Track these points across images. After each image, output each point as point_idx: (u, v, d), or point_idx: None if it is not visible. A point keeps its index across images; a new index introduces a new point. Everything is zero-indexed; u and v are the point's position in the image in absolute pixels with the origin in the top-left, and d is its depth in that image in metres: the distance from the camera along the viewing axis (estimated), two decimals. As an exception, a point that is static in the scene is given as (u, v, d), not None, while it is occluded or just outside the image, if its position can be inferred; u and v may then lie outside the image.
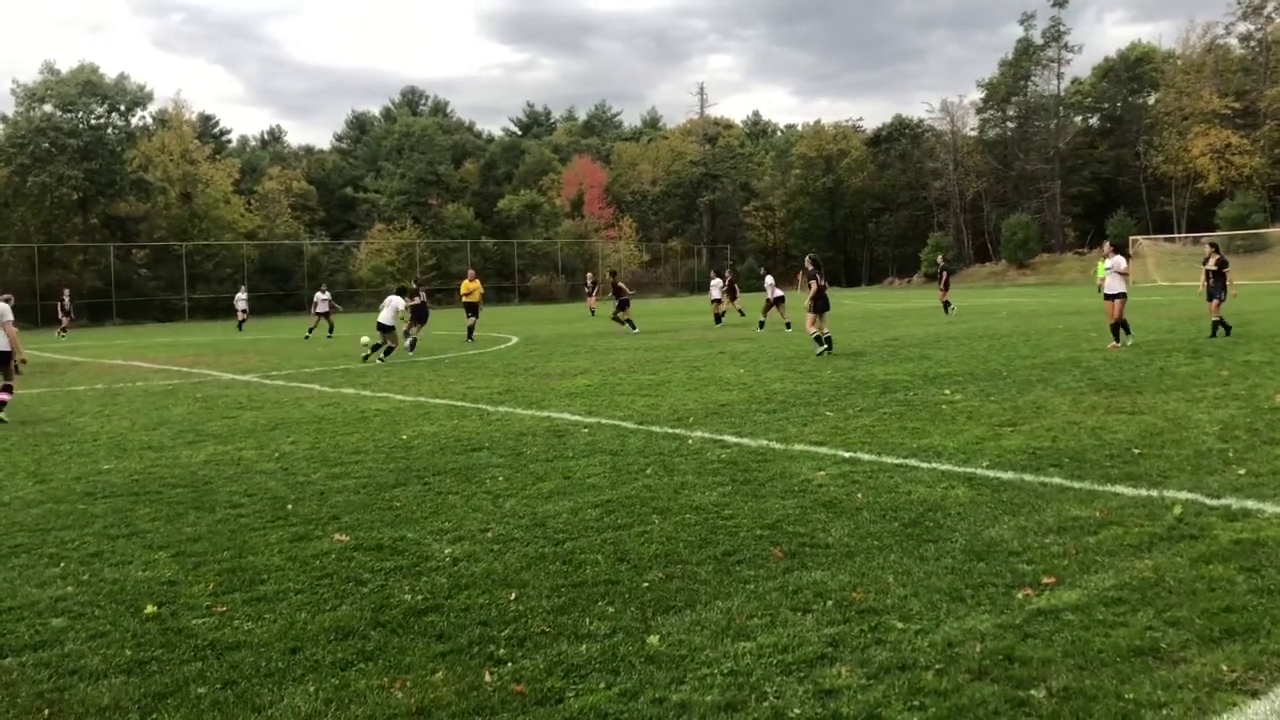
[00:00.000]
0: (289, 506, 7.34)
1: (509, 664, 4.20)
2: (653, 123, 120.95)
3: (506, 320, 38.75)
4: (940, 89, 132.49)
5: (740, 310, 32.57)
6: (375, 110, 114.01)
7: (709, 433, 10.01)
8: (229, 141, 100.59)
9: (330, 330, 33.27)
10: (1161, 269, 59.02)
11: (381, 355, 20.61)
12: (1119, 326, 17.59)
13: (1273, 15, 73.60)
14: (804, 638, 4.36)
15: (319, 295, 35.36)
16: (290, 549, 6.18)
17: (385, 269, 70.89)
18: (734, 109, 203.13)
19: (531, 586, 5.23)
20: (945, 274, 33.25)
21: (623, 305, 28.70)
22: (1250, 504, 6.35)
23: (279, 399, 14.63)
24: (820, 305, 18.62)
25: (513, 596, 5.06)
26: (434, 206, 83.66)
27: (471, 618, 4.79)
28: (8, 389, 13.34)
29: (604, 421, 10.96)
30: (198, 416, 12.86)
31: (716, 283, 32.61)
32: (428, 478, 8.20)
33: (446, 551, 5.96)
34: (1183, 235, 67.75)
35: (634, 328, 28.13)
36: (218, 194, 67.36)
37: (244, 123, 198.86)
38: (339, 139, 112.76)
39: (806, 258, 20.63)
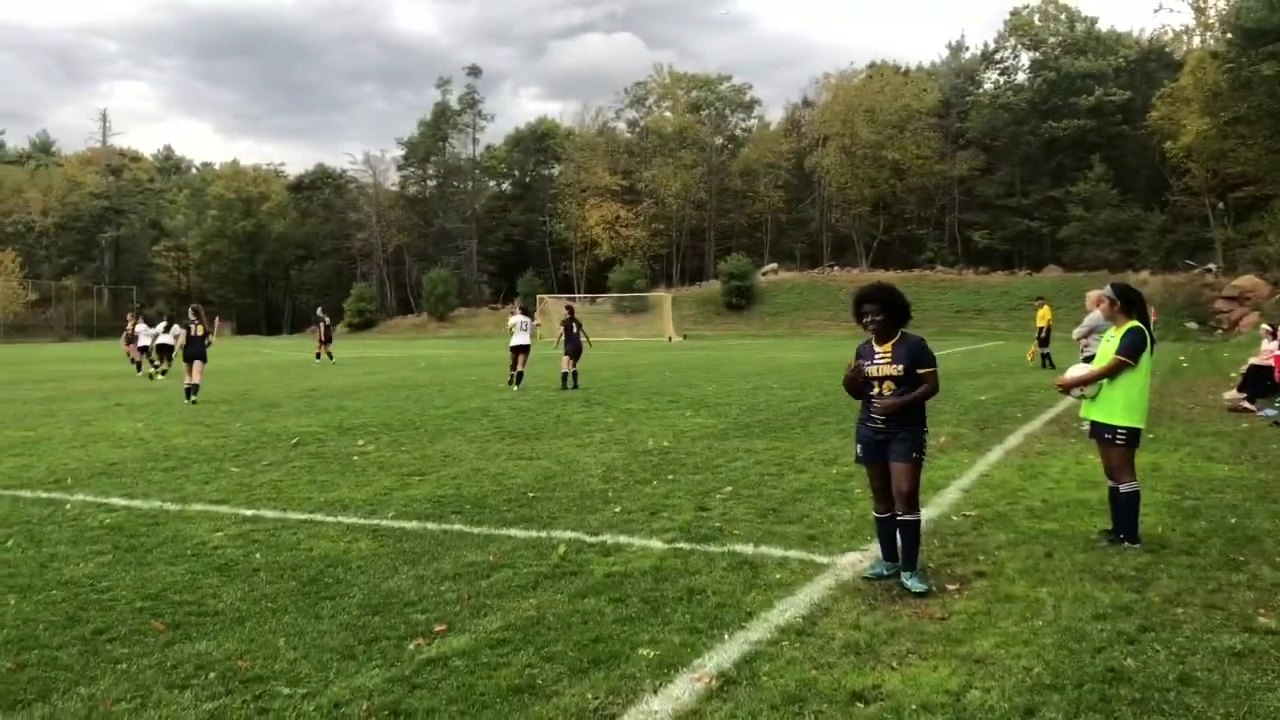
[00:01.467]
0: None
1: None
2: (44, 147, 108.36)
3: None
4: (369, 141, 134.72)
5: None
6: None
7: (93, 495, 8.97)
8: None
9: None
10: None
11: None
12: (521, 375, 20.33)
13: (652, 107, 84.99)
14: (180, 717, 3.99)
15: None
16: None
17: None
18: (146, 141, 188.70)
19: None
20: (324, 325, 34.29)
21: None
22: (622, 539, 7.04)
23: None
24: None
25: None
26: None
27: None
28: None
29: (-43, 487, 9.37)
30: None
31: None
32: None
33: None
34: (582, 295, 75.07)
35: None
36: None
37: None
38: None
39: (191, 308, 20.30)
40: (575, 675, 4.44)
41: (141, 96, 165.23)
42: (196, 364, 18.56)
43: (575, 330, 20.71)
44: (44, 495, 8.99)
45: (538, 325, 21.33)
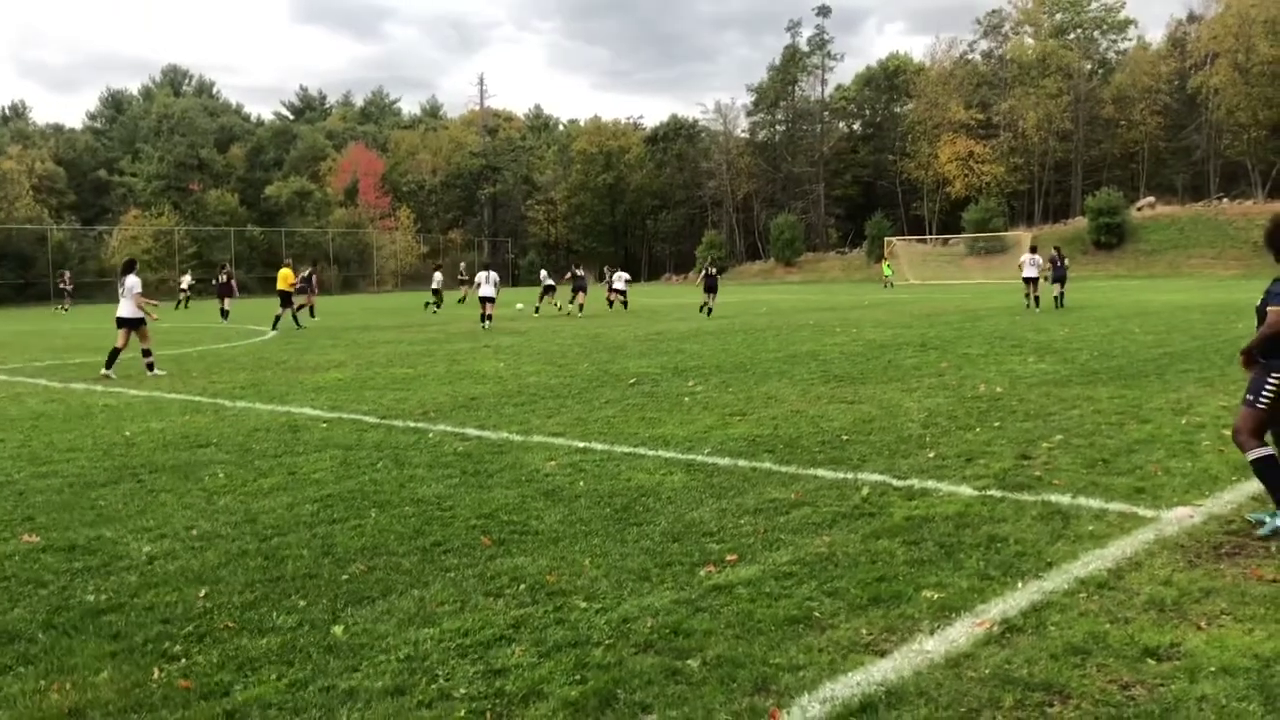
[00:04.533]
0: (-21, 509, 6.87)
1: (181, 660, 4.12)
2: (433, 111, 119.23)
3: (269, 311, 37.19)
4: (732, 89, 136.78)
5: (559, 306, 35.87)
6: (133, 89, 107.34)
7: (452, 426, 10.02)
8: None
9: (311, 311, 30.92)
10: (914, 268, 63.01)
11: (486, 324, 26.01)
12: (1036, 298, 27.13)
13: (1009, 34, 79.90)
14: (489, 621, 4.48)
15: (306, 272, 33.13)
16: (-31, 554, 5.79)
17: (141, 257, 66.64)
18: (524, 101, 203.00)
19: (225, 583, 5.12)
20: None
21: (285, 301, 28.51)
22: (930, 484, 6.93)
23: (-4, 395, 13.60)
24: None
25: (202, 593, 4.94)
26: (195, 192, 79.37)
27: (154, 616, 4.65)
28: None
29: (345, 416, 10.78)
30: (-104, 415, 11.77)
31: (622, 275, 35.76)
32: (143, 475, 7.85)
33: (144, 550, 5.74)
34: (934, 237, 72.58)
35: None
36: (-56, 173, 61.53)
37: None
38: (92, 118, 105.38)
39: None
40: (854, 611, 4.51)
41: (524, 60, 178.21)
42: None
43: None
44: (413, 425, 10.15)
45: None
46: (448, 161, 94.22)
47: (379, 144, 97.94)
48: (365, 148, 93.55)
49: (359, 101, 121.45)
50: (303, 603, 4.79)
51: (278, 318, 27.69)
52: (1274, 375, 5.54)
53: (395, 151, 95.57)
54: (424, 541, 5.80)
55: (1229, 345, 15.03)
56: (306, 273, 31.92)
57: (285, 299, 27.99)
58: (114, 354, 15.83)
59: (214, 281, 37.06)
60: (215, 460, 8.42)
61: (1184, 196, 70.01)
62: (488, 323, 26.30)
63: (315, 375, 15.07)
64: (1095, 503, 6.29)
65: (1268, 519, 5.57)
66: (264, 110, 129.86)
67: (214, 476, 7.75)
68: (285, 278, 28.45)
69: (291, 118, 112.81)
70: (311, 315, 30.38)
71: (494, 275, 28.02)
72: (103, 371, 15.66)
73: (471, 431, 9.66)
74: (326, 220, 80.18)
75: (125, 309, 15.96)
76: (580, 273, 34.66)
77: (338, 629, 4.40)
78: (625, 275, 36.65)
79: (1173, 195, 70.54)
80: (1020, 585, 4.78)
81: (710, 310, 30.62)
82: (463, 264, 56.91)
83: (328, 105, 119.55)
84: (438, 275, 41.67)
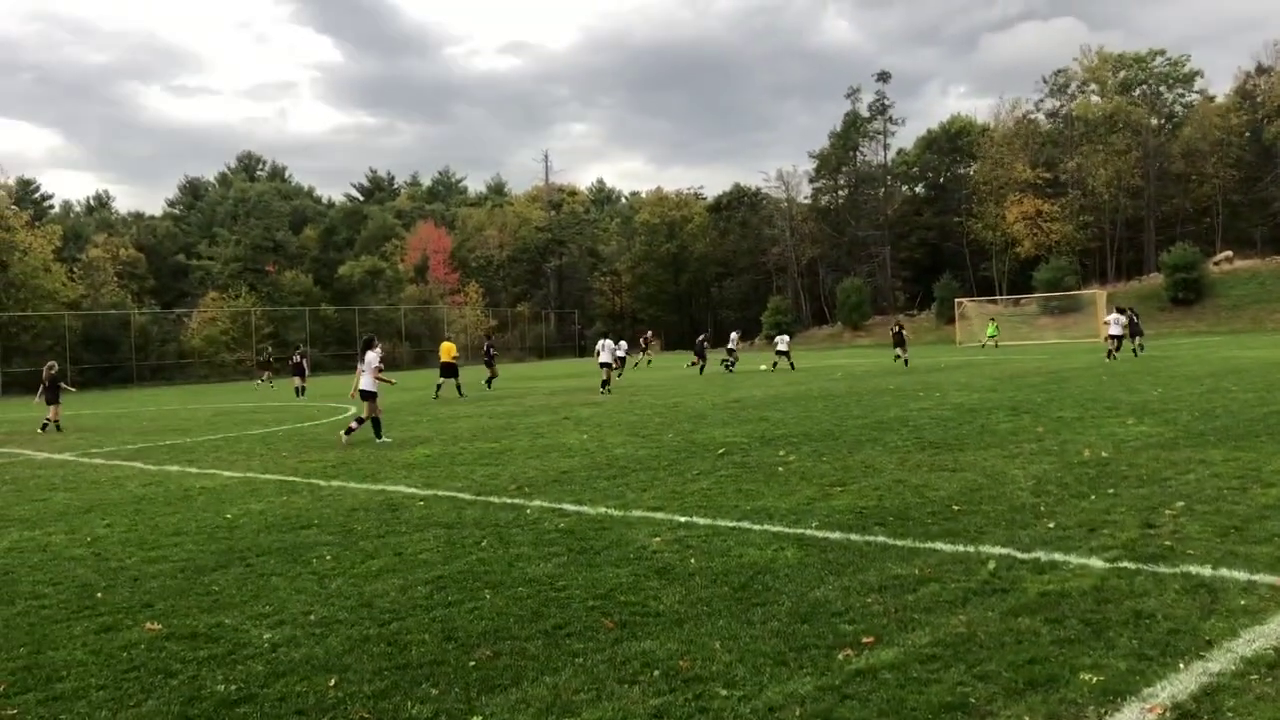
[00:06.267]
0: (98, 595, 6.92)
1: (323, 756, 4.04)
2: (498, 188, 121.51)
3: (346, 389, 37.71)
4: (793, 157, 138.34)
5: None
6: (210, 176, 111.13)
7: (548, 501, 9.94)
8: (51, 207, 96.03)
9: (489, 383, 32.63)
10: (986, 330, 62.11)
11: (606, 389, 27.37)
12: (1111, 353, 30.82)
13: (1075, 93, 79.43)
14: (629, 711, 4.34)
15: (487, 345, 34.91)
16: (95, 641, 5.81)
17: (219, 338, 68.36)
18: (589, 175, 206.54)
19: (353, 671, 5.05)
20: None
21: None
22: (1058, 556, 6.67)
23: (97, 479, 13.85)
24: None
25: (332, 682, 4.87)
26: (271, 274, 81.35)
27: (288, 707, 4.59)
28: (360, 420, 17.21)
29: (440, 494, 10.76)
30: (3, 500, 12.03)
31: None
32: (251, 559, 7.87)
33: (265, 637, 5.71)
34: (1004, 297, 71.65)
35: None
36: (36, 262, 63.63)
37: (71, 187, 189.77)
38: (171, 204, 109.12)
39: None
40: (1010, 696, 4.29)
41: (587, 135, 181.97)
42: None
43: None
44: (509, 501, 10.09)
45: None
46: (514, 236, 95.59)
47: (447, 221, 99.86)
48: (434, 226, 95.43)
49: (426, 181, 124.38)
50: (434, 691, 4.69)
51: (457, 386, 29.35)
52: None
53: (463, 229, 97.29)
54: (545, 624, 5.69)
55: (1339, 402, 14.46)
56: (487, 346, 34.27)
57: (449, 370, 29.51)
58: (360, 422, 17.22)
59: (290, 361, 37.90)
60: (320, 542, 8.42)
61: (1263, 249, 68.46)
62: (606, 389, 27.61)
63: (403, 452, 15.13)
64: (1240, 574, 5.99)
65: None
66: (335, 193, 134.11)
67: (321, 559, 7.73)
68: (449, 350, 30.13)
69: (361, 199, 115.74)
70: (489, 386, 32.26)
71: (609, 343, 29.38)
72: (343, 437, 16.91)
73: (569, 507, 9.57)
74: (398, 297, 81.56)
75: (366, 382, 17.37)
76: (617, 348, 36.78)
77: (476, 720, 4.30)
78: (786, 337, 40.26)
79: (1251, 249, 69.02)
80: (1183, 666, 4.53)
81: (906, 361, 34.96)
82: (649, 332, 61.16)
83: (396, 186, 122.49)
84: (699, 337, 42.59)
